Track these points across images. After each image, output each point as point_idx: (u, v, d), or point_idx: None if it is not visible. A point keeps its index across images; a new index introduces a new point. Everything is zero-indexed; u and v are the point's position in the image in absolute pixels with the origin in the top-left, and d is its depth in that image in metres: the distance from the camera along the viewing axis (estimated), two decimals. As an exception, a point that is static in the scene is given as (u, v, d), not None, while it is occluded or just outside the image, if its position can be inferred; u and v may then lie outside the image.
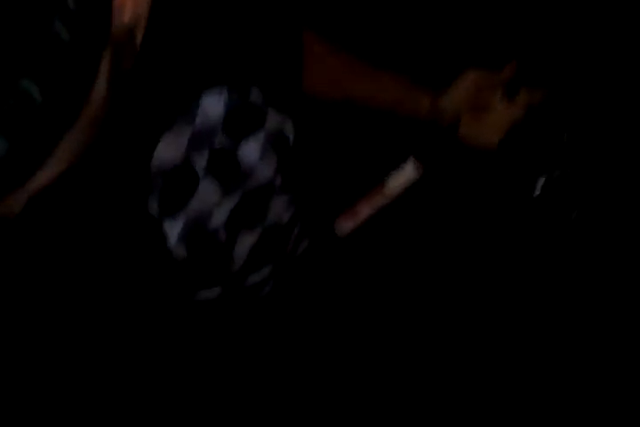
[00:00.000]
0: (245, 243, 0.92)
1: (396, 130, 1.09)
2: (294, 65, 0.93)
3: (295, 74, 0.93)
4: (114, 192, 0.78)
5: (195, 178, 0.83)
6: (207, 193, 0.85)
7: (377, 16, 1.34)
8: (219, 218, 0.87)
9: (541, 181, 0.93)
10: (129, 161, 0.77)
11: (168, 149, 0.79)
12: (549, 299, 1.11)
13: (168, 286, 0.88)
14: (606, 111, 1.16)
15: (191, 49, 0.80)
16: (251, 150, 0.87)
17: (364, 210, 1.05)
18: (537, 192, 0.95)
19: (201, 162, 0.83)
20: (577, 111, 1.04)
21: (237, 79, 0.84)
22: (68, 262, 0.78)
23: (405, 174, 1.02)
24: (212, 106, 0.82)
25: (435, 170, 1.00)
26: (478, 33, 1.22)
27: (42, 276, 0.76)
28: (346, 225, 1.07)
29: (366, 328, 1.09)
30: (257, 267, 0.95)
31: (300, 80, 0.94)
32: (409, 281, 1.12)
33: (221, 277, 0.92)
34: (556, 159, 0.95)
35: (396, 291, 1.12)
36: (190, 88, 0.80)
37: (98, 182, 0.76)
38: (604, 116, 1.13)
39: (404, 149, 1.03)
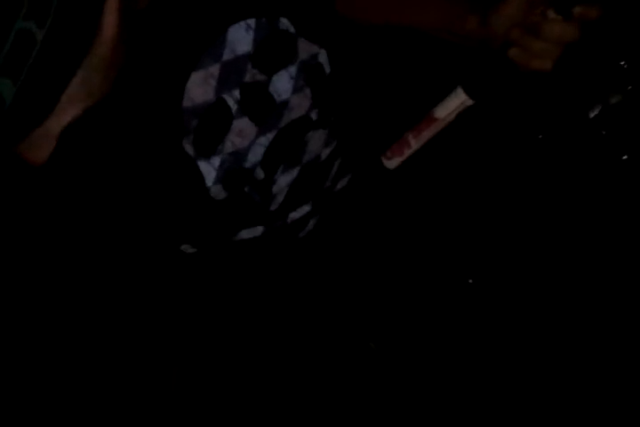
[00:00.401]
0: (283, 180, 0.90)
1: (441, 55, 1.03)
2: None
3: (326, 1, 0.88)
4: (147, 136, 0.76)
5: (228, 116, 0.81)
6: (241, 131, 0.83)
7: None
8: (255, 156, 0.85)
9: (597, 107, 0.86)
10: (159, 103, 0.75)
11: (198, 89, 0.77)
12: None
13: (209, 226, 0.88)
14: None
15: None
16: (283, 84, 0.84)
17: (412, 142, 1.01)
18: (592, 115, 0.88)
19: (233, 99, 0.80)
20: (638, 31, 0.96)
21: (264, 8, 0.80)
22: (103, 208, 0.77)
23: (454, 103, 0.97)
24: (239, 39, 0.78)
25: (484, 96, 0.94)
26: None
27: (76, 217, 0.76)
28: (393, 158, 1.03)
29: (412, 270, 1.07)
30: (296, 204, 0.94)
31: (333, 5, 0.89)
32: (463, 215, 1.09)
33: (261, 215, 0.91)
34: (614, 84, 0.88)
35: (449, 226, 1.09)
36: (215, 21, 0.76)
37: (130, 127, 0.74)
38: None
39: (452, 75, 0.97)
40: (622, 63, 0.87)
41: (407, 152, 1.03)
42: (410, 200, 1.09)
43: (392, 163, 1.05)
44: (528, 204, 1.07)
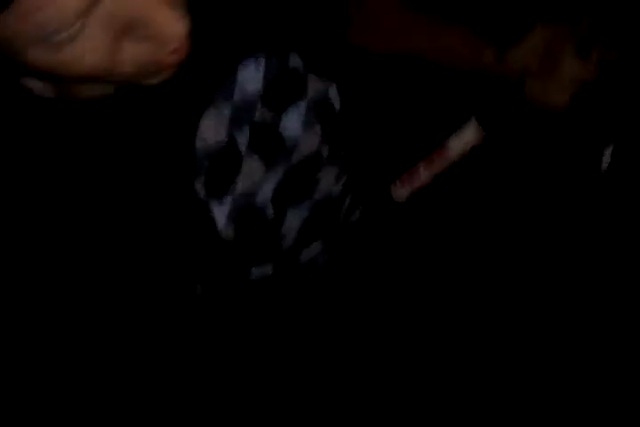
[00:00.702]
0: (295, 218, 0.89)
1: (456, 87, 1.02)
2: (336, 24, 0.87)
3: (336, 35, 0.87)
4: (160, 177, 0.75)
5: (238, 156, 0.80)
6: (252, 170, 0.82)
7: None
8: (265, 194, 0.84)
9: (610, 150, 0.85)
10: (172, 144, 0.75)
11: (210, 129, 0.76)
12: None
13: (220, 265, 0.87)
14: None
15: (224, 15, 0.75)
16: (292, 122, 0.83)
17: (423, 174, 1.00)
18: (605, 164, 0.88)
19: (243, 139, 0.79)
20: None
21: (275, 45, 0.79)
22: (117, 246, 0.76)
23: (467, 136, 0.96)
24: (250, 78, 0.77)
25: (498, 132, 0.94)
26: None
27: (91, 256, 0.75)
28: (403, 189, 1.02)
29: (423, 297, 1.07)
30: (309, 242, 0.93)
31: (344, 38, 0.88)
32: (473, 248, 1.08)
33: (273, 254, 0.90)
34: (628, 127, 0.87)
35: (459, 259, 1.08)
36: (226, 61, 0.76)
37: (144, 166, 0.74)
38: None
39: (466, 108, 0.96)
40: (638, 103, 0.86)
41: (417, 183, 1.02)
42: (417, 232, 1.08)
43: (402, 193, 1.04)
44: (534, 236, 1.06)
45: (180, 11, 0.56)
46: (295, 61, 0.81)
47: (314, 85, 0.84)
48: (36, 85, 0.67)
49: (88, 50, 0.55)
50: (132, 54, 0.58)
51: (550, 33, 0.87)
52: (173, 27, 0.56)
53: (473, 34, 0.93)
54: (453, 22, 0.94)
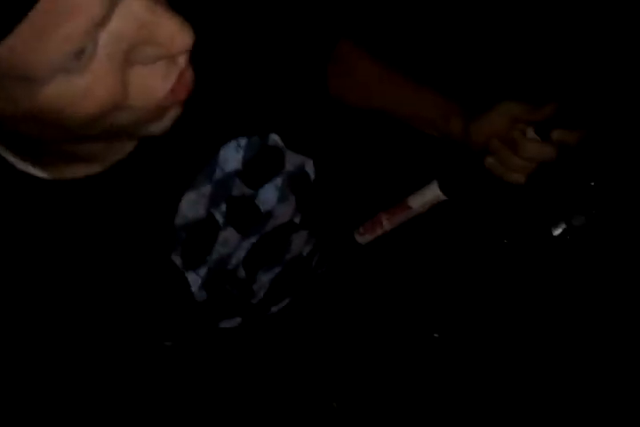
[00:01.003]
0: (266, 277, 0.93)
1: (422, 149, 1.05)
2: (313, 103, 0.89)
3: (314, 112, 0.90)
4: (137, 249, 0.77)
5: (215, 229, 0.83)
6: (227, 240, 0.85)
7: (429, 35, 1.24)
8: (237, 258, 0.88)
9: (561, 225, 0.89)
10: (152, 220, 0.77)
11: (190, 208, 0.79)
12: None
13: (190, 322, 0.90)
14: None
15: (207, 99, 0.77)
16: (268, 196, 0.86)
17: (384, 223, 1.04)
18: (558, 229, 0.91)
19: (220, 213, 0.82)
20: (613, 160, 0.97)
21: (256, 126, 0.81)
22: (99, 312, 0.79)
23: (428, 195, 0.99)
24: (230, 159, 0.80)
25: (458, 195, 0.97)
26: (529, 66, 1.12)
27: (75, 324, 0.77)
28: (365, 235, 1.06)
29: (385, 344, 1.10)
30: (278, 299, 0.96)
31: (320, 118, 0.90)
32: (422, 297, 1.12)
33: (242, 309, 0.93)
34: (580, 206, 0.90)
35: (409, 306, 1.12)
36: (208, 143, 0.78)
37: (126, 238, 0.76)
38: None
39: (431, 168, 0.99)
40: (592, 184, 0.89)
41: (379, 231, 1.06)
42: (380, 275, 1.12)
43: (364, 239, 1.08)
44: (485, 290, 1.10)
45: (182, 21, 0.56)
46: (274, 140, 0.84)
47: (291, 160, 0.87)
48: (28, 167, 0.68)
49: (101, 76, 0.54)
50: (142, 80, 0.57)
51: (516, 111, 0.88)
52: (179, 37, 0.55)
53: (443, 100, 0.95)
54: (424, 85, 0.97)
